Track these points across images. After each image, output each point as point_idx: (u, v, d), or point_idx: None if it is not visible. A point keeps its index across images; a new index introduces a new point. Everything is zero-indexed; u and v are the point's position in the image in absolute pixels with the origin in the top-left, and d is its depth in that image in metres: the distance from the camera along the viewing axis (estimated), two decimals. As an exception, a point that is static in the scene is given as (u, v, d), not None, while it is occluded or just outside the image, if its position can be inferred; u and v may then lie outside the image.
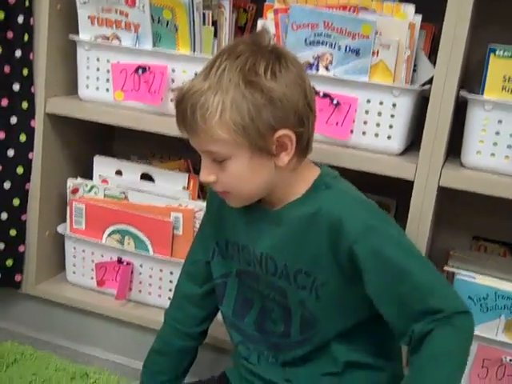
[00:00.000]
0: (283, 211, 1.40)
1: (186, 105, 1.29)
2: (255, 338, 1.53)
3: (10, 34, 1.85)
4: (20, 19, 1.83)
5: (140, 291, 1.99)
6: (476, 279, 1.61)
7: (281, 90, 1.28)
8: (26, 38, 1.85)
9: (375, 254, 1.29)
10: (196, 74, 1.65)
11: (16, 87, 1.88)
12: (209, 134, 1.28)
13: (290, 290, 1.43)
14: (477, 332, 1.60)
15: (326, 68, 1.65)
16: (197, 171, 2.03)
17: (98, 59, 1.86)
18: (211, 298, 1.60)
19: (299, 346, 1.46)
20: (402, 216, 1.76)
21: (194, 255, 1.62)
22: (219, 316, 1.62)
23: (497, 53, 1.53)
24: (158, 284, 1.96)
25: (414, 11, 1.62)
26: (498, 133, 1.56)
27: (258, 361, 1.53)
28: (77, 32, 1.87)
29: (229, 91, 1.26)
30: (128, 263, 1.95)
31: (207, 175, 1.34)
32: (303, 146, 1.35)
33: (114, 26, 1.81)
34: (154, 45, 1.80)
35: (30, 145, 1.94)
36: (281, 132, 1.29)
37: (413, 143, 1.75)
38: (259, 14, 1.82)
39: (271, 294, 1.47)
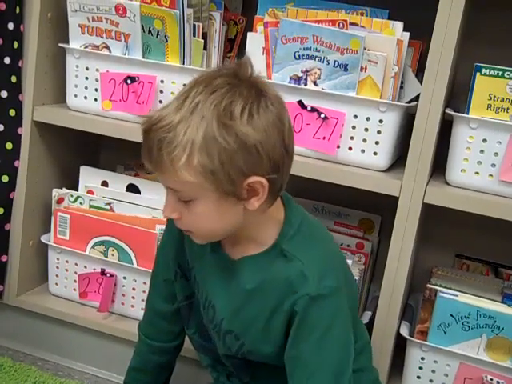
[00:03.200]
0: (239, 265, 1.40)
1: (153, 138, 1.24)
2: (223, 359, 1.55)
3: (-1, 41, 1.91)
4: (10, 26, 1.89)
5: (123, 304, 2.04)
6: (458, 297, 1.67)
7: (257, 135, 1.22)
8: (15, 45, 1.91)
9: (306, 316, 1.31)
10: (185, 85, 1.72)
11: (4, 94, 1.94)
12: (174, 175, 1.23)
13: (219, 343, 1.47)
14: (458, 350, 1.68)
15: (315, 82, 1.72)
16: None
17: (87, 68, 1.92)
18: None
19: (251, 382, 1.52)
20: (386, 232, 1.82)
21: (160, 274, 1.63)
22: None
23: (482, 71, 1.60)
24: (141, 297, 2.00)
25: (402, 28, 1.69)
26: (482, 151, 1.63)
27: (228, 379, 1.57)
28: (67, 40, 1.93)
29: (199, 130, 1.20)
30: (111, 275, 2.00)
31: (170, 212, 1.31)
32: (276, 191, 1.31)
33: (105, 35, 1.87)
34: (144, 55, 1.86)
35: (16, 153, 1.99)
36: (252, 179, 1.24)
37: (398, 160, 1.81)
38: (249, 26, 1.90)
39: (212, 336, 1.52)
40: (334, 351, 1.33)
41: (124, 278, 2.01)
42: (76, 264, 2.05)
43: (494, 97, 1.61)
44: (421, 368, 1.74)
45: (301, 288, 1.30)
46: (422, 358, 1.73)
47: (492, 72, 1.60)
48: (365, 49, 1.66)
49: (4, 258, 2.06)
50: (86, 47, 1.90)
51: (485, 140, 1.62)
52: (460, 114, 1.64)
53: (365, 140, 1.71)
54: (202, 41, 1.83)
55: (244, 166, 1.22)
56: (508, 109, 1.61)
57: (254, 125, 1.22)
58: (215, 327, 1.46)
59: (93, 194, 2.03)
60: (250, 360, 1.46)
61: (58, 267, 2.08)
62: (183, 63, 1.83)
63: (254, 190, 1.27)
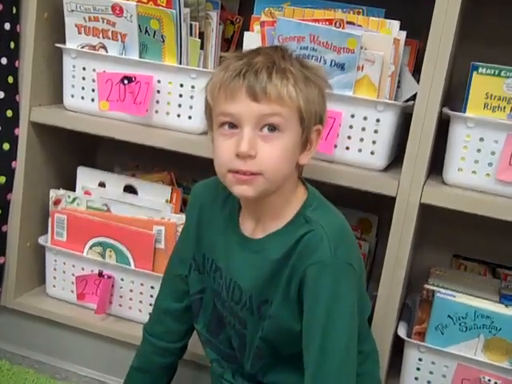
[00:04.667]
0: (265, 241, 1.46)
1: (259, 67, 1.33)
2: (229, 355, 1.60)
3: (-5, 42, 1.92)
4: (6, 26, 1.90)
5: (120, 305, 2.05)
6: (456, 298, 1.67)
7: (326, 86, 1.46)
8: (12, 45, 1.93)
9: (316, 283, 1.37)
10: (182, 86, 1.82)
11: (0, 95, 1.95)
12: (282, 94, 1.33)
13: (251, 320, 1.50)
14: (456, 351, 1.68)
15: (312, 82, 1.72)
16: (180, 184, 2.10)
17: (83, 68, 1.93)
18: (191, 312, 1.66)
19: (260, 375, 1.55)
20: (383, 232, 1.83)
21: (173, 270, 1.68)
22: (198, 334, 1.68)
23: (479, 70, 1.61)
24: (138, 298, 2.01)
25: (398, 27, 1.70)
26: (479, 150, 1.63)
27: (233, 378, 1.60)
28: (63, 40, 1.93)
29: (295, 67, 1.37)
30: (109, 277, 2.01)
31: (250, 148, 1.33)
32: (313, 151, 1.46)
33: (101, 35, 1.88)
34: (141, 55, 1.86)
35: (13, 154, 2.00)
36: (318, 126, 1.43)
37: (396, 159, 1.81)
38: (246, 26, 1.91)
39: (232, 322, 1.55)
40: (340, 327, 1.36)
41: (121, 279, 2.02)
42: (73, 266, 2.06)
43: (491, 95, 1.61)
44: (418, 369, 1.75)
45: (315, 252, 1.37)
46: (420, 359, 1.74)
47: (489, 71, 1.60)
48: (361, 48, 1.66)
49: (1, 260, 2.08)
50: (83, 47, 1.91)
51: (482, 139, 1.63)
52: (457, 113, 1.64)
53: (362, 139, 1.72)
54: (199, 40, 1.84)
55: (322, 111, 1.43)
56: (505, 108, 1.61)
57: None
58: (244, 306, 1.50)
59: (90, 194, 2.03)
60: (267, 349, 1.50)
61: (55, 269, 2.09)
62: (180, 63, 1.84)
63: (311, 142, 1.43)
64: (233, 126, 1.36)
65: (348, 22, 1.72)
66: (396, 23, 1.70)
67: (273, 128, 1.34)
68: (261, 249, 1.46)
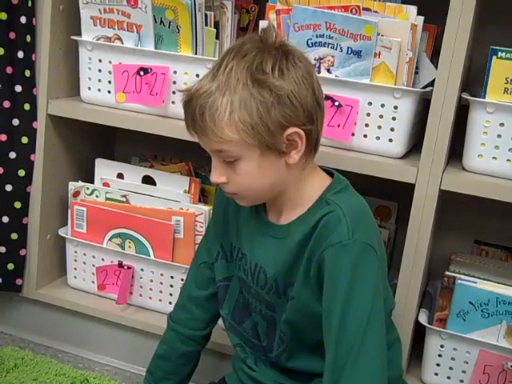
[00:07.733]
0: (290, 226, 1.43)
1: (194, 106, 1.31)
2: (252, 343, 1.57)
3: (12, 35, 1.88)
4: (22, 20, 1.86)
5: (141, 295, 2.01)
6: (477, 284, 1.62)
7: (289, 87, 1.30)
8: (28, 38, 1.89)
9: (335, 265, 1.32)
10: (198, 76, 1.76)
11: (18, 89, 1.91)
12: (218, 135, 1.29)
13: (278, 303, 1.47)
14: (478, 337, 1.64)
15: (328, 70, 1.67)
16: (198, 174, 2.06)
17: (100, 60, 1.89)
18: (215, 300, 1.63)
19: (283, 359, 1.51)
20: (403, 219, 1.78)
21: (200, 257, 1.65)
22: (220, 321, 1.65)
23: (499, 55, 1.55)
24: (158, 288, 1.98)
25: (416, 13, 1.65)
26: (499, 136, 1.58)
27: (255, 364, 1.56)
28: (79, 33, 1.90)
29: (237, 91, 1.28)
30: (129, 267, 1.98)
31: (218, 176, 1.36)
32: (312, 144, 1.37)
33: (117, 26, 1.84)
34: (156, 46, 1.82)
35: (31, 147, 1.97)
36: (290, 130, 1.31)
37: (415, 146, 1.77)
38: (261, 14, 1.85)
39: (258, 307, 1.52)
40: (361, 305, 1.31)
41: (141, 269, 1.98)
42: (94, 257, 2.03)
43: (511, 80, 1.55)
44: (440, 356, 1.70)
45: (333, 233, 1.33)
46: (442, 346, 1.69)
47: (508, 55, 1.54)
48: (378, 34, 1.61)
49: (23, 252, 2.05)
50: (99, 39, 1.87)
51: (502, 124, 1.57)
52: (476, 99, 1.59)
53: (380, 127, 1.67)
54: (214, 30, 1.79)
55: (281, 118, 1.30)
56: (525, 92, 1.56)
57: (285, 78, 1.30)
58: (271, 290, 1.47)
59: (108, 186, 2.00)
60: (290, 333, 1.47)
61: (75, 260, 2.06)
62: (195, 53, 1.79)
63: (293, 143, 1.33)
64: None
65: (364, 9, 1.66)
66: (413, 8, 1.65)
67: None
68: (286, 234, 1.43)
